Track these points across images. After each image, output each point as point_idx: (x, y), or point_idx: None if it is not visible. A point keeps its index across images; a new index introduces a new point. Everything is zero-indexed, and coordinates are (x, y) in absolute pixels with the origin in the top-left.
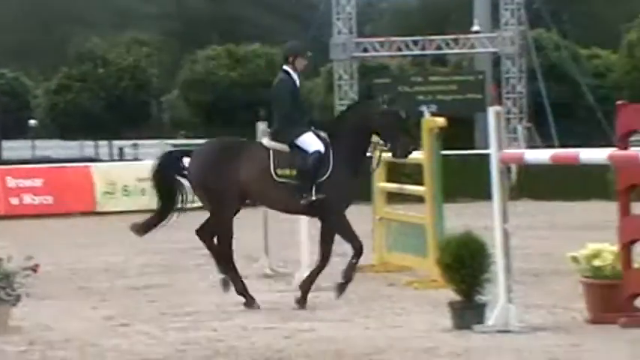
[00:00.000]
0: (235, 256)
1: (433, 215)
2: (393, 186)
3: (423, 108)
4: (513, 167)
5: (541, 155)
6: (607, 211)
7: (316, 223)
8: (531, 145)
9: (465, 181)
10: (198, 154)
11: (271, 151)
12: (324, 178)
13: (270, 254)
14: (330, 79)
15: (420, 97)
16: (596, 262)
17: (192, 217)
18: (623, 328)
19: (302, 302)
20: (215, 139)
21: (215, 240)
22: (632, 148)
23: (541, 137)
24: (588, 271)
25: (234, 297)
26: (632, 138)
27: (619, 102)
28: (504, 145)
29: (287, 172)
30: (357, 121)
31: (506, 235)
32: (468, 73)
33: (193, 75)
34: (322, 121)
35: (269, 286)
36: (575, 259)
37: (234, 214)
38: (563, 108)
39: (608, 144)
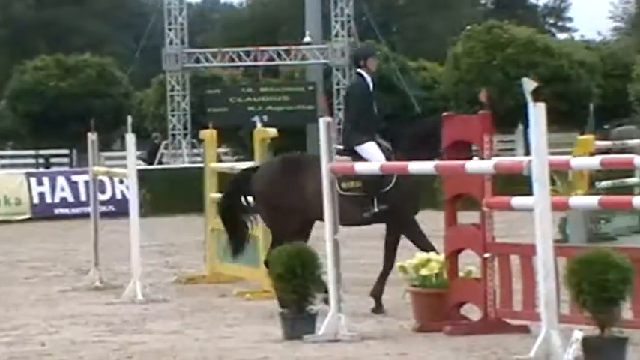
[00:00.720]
0: (65, 269)
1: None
2: None
3: (255, 119)
4: None
5: (371, 166)
6: (435, 220)
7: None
8: None
9: None
10: (263, 173)
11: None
12: (389, 188)
13: (101, 266)
14: (162, 90)
15: (252, 108)
16: (424, 271)
17: (17, 229)
18: (449, 335)
19: (378, 308)
20: (280, 155)
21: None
22: (475, 159)
23: None
24: (416, 280)
25: (62, 310)
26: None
27: (445, 113)
28: (335, 155)
29: (352, 184)
30: (425, 132)
31: (336, 246)
32: (299, 84)
33: (22, 85)
34: (389, 129)
35: (98, 299)
36: (403, 269)
37: (306, 236)
38: (393, 118)
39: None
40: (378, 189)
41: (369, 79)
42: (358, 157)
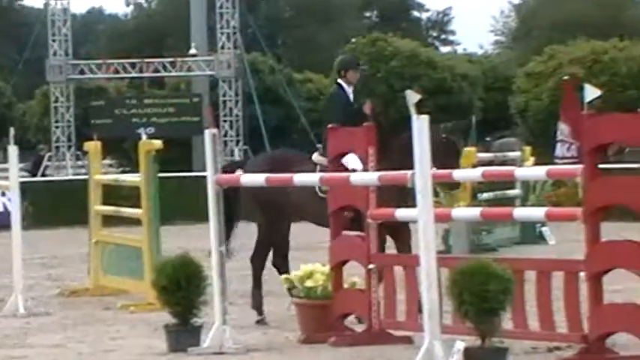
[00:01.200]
0: None
1: (150, 238)
2: (109, 209)
3: (141, 130)
4: None
5: (257, 178)
6: (322, 232)
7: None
8: None
9: (183, 203)
10: (252, 168)
11: (318, 167)
12: None
13: None
14: (45, 101)
15: (137, 120)
16: (309, 283)
17: None
18: (334, 346)
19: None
20: (269, 151)
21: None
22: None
23: None
24: (301, 292)
25: None
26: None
27: (330, 125)
28: (220, 167)
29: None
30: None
31: (221, 257)
32: (185, 96)
33: None
34: (380, 138)
35: None
36: (289, 280)
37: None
38: (279, 130)
39: None
40: None
41: (348, 89)
42: (343, 168)
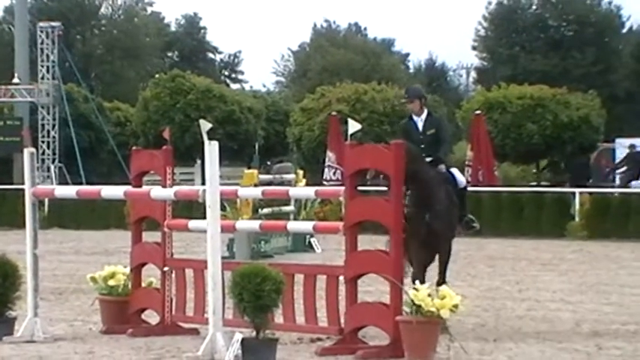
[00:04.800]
0: None
1: None
2: None
3: None
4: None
5: (69, 191)
6: (124, 239)
7: None
8: (62, 182)
9: (4, 211)
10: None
11: None
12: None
13: None
14: None
15: None
16: (111, 282)
17: None
18: (131, 337)
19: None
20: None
21: None
22: (146, 187)
23: (71, 175)
24: (105, 290)
25: None
26: (147, 178)
27: (134, 148)
28: (37, 181)
29: None
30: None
31: (35, 259)
32: (8, 119)
33: None
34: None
35: None
36: (94, 279)
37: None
38: (90, 151)
39: (127, 182)
40: None
41: (417, 119)
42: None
